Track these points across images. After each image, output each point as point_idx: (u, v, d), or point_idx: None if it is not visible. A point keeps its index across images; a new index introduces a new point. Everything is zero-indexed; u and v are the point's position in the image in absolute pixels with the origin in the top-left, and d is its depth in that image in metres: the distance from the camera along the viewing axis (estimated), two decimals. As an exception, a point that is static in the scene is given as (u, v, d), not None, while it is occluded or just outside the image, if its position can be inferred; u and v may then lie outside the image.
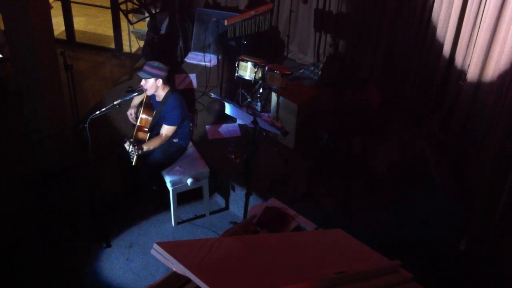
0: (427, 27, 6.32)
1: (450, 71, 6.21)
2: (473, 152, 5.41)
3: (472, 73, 5.64)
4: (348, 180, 5.38)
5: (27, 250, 5.15)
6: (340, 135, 5.72)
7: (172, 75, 7.34)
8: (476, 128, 5.54)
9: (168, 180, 5.30)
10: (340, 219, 5.32)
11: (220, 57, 7.20)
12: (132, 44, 8.40)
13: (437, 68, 6.32)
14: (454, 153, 5.77)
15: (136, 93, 5.15)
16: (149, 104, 5.36)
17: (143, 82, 5.09)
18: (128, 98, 5.04)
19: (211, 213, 5.70)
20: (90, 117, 4.60)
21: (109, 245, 5.22)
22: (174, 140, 5.37)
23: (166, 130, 5.20)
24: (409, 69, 6.68)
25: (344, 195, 5.41)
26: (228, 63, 7.17)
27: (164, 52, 7.75)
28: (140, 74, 5.07)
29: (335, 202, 5.51)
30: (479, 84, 5.61)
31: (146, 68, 5.07)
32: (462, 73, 5.94)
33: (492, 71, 5.34)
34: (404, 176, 5.53)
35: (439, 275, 4.76)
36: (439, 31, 6.16)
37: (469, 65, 5.77)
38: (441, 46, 6.19)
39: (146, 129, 5.28)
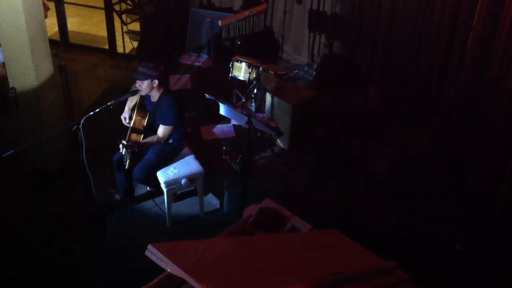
0: (423, 26, 6.33)
1: (448, 70, 6.22)
2: (472, 152, 5.41)
3: (470, 72, 5.65)
4: (348, 180, 5.38)
5: (24, 250, 5.13)
6: (339, 135, 5.72)
7: (167, 76, 7.32)
8: (475, 128, 5.54)
9: (162, 181, 5.28)
10: (339, 219, 5.32)
11: (214, 57, 7.19)
12: (126, 45, 8.38)
13: (435, 68, 6.33)
14: (454, 153, 5.77)
15: (130, 94, 5.13)
16: (143, 105, 5.33)
17: (138, 83, 5.07)
18: (122, 99, 5.02)
19: (206, 214, 5.68)
20: (84, 118, 4.59)
21: (104, 246, 5.19)
22: (169, 141, 5.35)
23: (163, 130, 5.18)
24: (408, 69, 6.69)
25: (343, 195, 5.41)
26: (223, 64, 7.15)
27: (158, 53, 7.74)
28: (136, 76, 5.05)
29: (334, 203, 5.52)
30: (477, 83, 5.62)
31: (141, 69, 5.04)
32: (460, 73, 5.95)
33: (490, 70, 5.35)
34: (404, 176, 5.53)
35: (438, 275, 4.76)
36: (436, 30, 6.16)
37: (466, 64, 5.78)
38: (439, 45, 6.19)
39: (140, 131, 5.26)
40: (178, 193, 5.71)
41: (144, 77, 5.01)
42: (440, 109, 6.23)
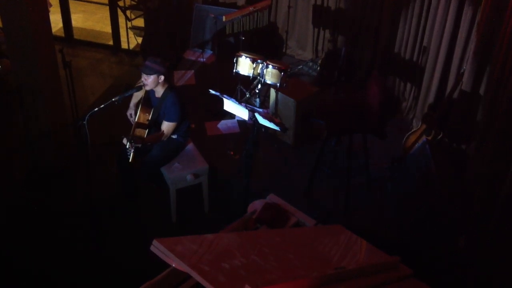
0: (425, 24, 6.31)
1: (449, 67, 6.21)
2: (473, 149, 5.41)
3: (470, 70, 5.64)
4: (349, 177, 5.39)
5: (24, 250, 5.14)
6: (340, 132, 5.72)
7: (171, 72, 7.33)
8: (476, 125, 5.54)
9: (167, 177, 5.30)
10: (340, 216, 5.32)
11: (218, 53, 7.20)
12: (130, 40, 8.39)
13: (436, 65, 6.32)
14: (454, 150, 5.77)
15: (135, 90, 5.14)
16: (148, 100, 5.33)
17: (144, 77, 5.05)
18: (126, 94, 5.01)
19: (211, 209, 5.69)
20: (88, 114, 4.59)
21: (108, 243, 5.20)
22: (173, 137, 5.36)
23: (167, 126, 5.19)
24: (408, 67, 6.68)
25: (344, 193, 5.42)
26: (227, 60, 7.17)
27: (163, 49, 7.74)
28: (142, 70, 5.03)
29: (335, 200, 5.52)
30: (477, 81, 5.61)
31: (148, 64, 5.02)
32: (461, 70, 5.94)
33: (490, 68, 5.34)
34: (404, 174, 5.54)
35: (438, 272, 4.76)
36: (439, 28, 6.15)
37: (467, 61, 5.77)
38: (439, 43, 6.18)
39: (145, 126, 5.26)
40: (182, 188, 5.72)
41: (150, 71, 5.00)
42: (441, 107, 6.23)
